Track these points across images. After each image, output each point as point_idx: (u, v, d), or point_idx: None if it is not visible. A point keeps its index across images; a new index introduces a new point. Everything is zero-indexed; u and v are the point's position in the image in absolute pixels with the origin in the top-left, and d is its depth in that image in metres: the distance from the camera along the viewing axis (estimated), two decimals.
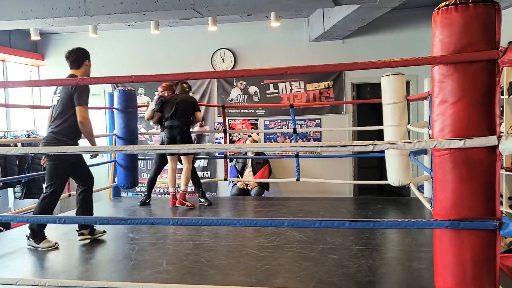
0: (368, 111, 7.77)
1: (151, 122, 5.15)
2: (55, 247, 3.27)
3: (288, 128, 6.63)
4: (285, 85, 6.74)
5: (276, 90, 6.78)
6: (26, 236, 3.31)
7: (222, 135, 6.37)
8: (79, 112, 3.26)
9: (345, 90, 6.60)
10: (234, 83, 6.89)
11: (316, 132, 6.76)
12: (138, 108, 5.50)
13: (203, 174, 6.96)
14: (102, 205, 5.12)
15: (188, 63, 6.78)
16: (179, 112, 4.59)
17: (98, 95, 6.75)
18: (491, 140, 1.66)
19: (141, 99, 7.01)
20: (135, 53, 7.10)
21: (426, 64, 1.79)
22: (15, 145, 5.84)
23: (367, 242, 3.21)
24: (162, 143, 4.74)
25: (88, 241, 3.44)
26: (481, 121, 1.68)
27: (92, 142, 3.37)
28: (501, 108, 4.68)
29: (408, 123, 4.43)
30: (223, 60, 6.88)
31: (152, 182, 5.04)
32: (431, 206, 3.63)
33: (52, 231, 3.45)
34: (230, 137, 6.85)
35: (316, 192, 6.32)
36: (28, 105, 7.28)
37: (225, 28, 6.57)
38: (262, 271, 2.69)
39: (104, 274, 2.87)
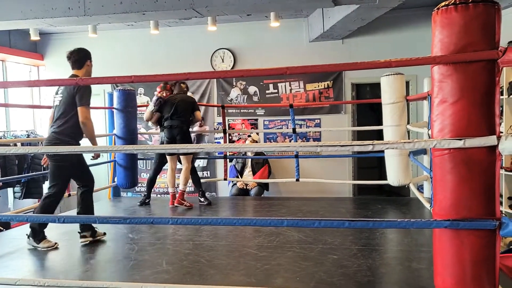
0: (368, 111, 7.77)
1: (149, 123, 5.15)
2: (54, 247, 3.27)
3: (287, 128, 6.64)
4: (285, 85, 6.74)
5: (276, 90, 6.78)
6: (26, 235, 3.31)
7: (221, 135, 6.37)
8: (81, 113, 3.26)
9: (344, 90, 6.60)
10: (234, 83, 6.89)
11: (315, 132, 6.76)
12: (138, 108, 5.50)
13: (203, 174, 6.96)
14: (102, 205, 5.12)
15: (188, 63, 6.78)
16: (178, 112, 4.59)
17: (98, 95, 6.74)
18: (490, 140, 1.66)
19: (141, 99, 7.01)
20: (134, 53, 7.10)
21: (425, 64, 1.79)
22: (15, 145, 5.83)
23: (367, 242, 3.21)
24: (162, 143, 4.74)
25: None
26: (481, 121, 1.68)
27: (94, 143, 3.37)
28: (501, 108, 4.68)
29: (408, 123, 4.43)
30: (222, 60, 6.88)
31: (151, 182, 5.04)
32: (430, 206, 3.63)
33: (52, 231, 3.45)
34: (230, 137, 6.85)
35: (316, 192, 6.32)
36: (28, 105, 7.27)
37: (224, 28, 6.57)
38: (261, 271, 2.69)
39: (104, 274, 2.87)
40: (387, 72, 4.23)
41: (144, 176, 6.83)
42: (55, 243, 3.30)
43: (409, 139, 4.04)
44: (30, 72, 7.47)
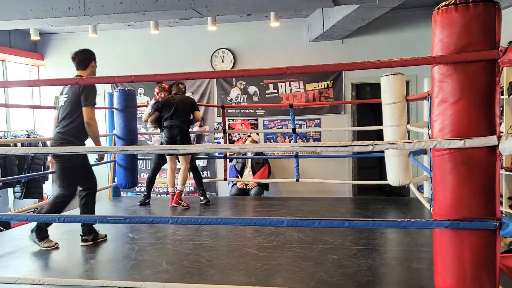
0: (368, 111, 7.77)
1: (148, 124, 5.15)
2: (55, 247, 3.27)
3: (287, 128, 6.63)
4: (285, 85, 6.74)
5: (276, 90, 6.78)
6: (31, 230, 3.30)
7: (221, 135, 6.37)
8: (86, 113, 3.25)
9: (344, 90, 6.60)
10: (234, 83, 6.89)
11: (315, 132, 6.76)
12: (138, 108, 5.50)
13: (203, 174, 6.95)
14: (102, 205, 5.11)
15: (188, 63, 6.78)
16: (178, 112, 4.59)
17: (99, 95, 6.66)
18: (491, 140, 1.66)
19: (141, 99, 7.00)
20: (134, 53, 7.10)
21: (426, 64, 1.79)
22: (15, 145, 5.84)
23: (367, 242, 3.21)
24: (161, 143, 4.74)
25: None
26: (481, 121, 1.68)
27: (97, 143, 3.35)
28: (501, 108, 4.67)
29: (408, 123, 4.43)
30: (222, 60, 6.88)
31: (151, 182, 5.04)
32: (430, 206, 3.63)
33: (52, 230, 3.44)
34: (230, 137, 6.85)
35: (316, 192, 6.33)
36: (28, 105, 7.27)
37: (224, 28, 6.57)
38: (261, 271, 2.69)
39: (104, 274, 2.87)
40: (387, 72, 4.23)
41: (144, 176, 6.82)
42: (56, 243, 3.30)
43: (409, 139, 4.04)
44: (30, 72, 7.47)
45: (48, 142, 3.73)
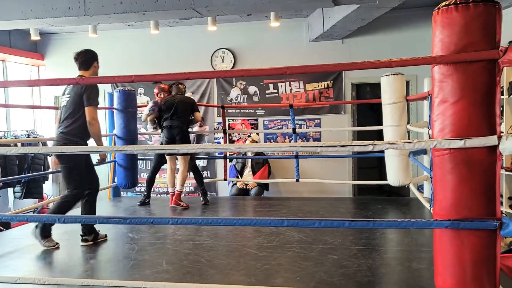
0: (368, 111, 7.77)
1: (148, 124, 5.15)
2: (55, 247, 3.27)
3: (287, 128, 6.64)
4: (285, 85, 6.74)
5: (276, 90, 6.78)
6: (36, 225, 3.29)
7: (221, 135, 6.37)
8: (88, 113, 3.25)
9: (344, 90, 6.60)
10: (234, 83, 6.89)
11: (315, 132, 6.76)
12: (138, 108, 5.50)
13: (203, 174, 6.95)
14: (102, 205, 5.10)
15: (188, 63, 6.78)
16: (178, 112, 4.59)
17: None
18: (491, 140, 1.66)
19: (141, 99, 7.00)
20: (135, 53, 7.10)
21: (426, 64, 1.79)
22: (15, 145, 5.83)
23: (367, 242, 3.21)
24: (161, 143, 4.74)
25: None
26: (481, 121, 1.68)
27: (99, 143, 3.34)
28: (501, 108, 4.67)
29: (408, 123, 4.43)
30: (222, 60, 6.88)
31: (150, 182, 5.04)
32: (430, 206, 3.63)
33: (52, 230, 3.44)
34: (230, 137, 6.85)
35: (316, 192, 6.32)
36: (28, 105, 7.27)
37: (224, 28, 6.57)
38: (261, 271, 2.69)
39: (104, 273, 2.87)
40: (387, 72, 4.23)
41: (144, 176, 6.82)
42: (56, 244, 3.29)
43: (409, 139, 4.04)
44: (30, 72, 7.47)
45: (48, 142, 3.73)
